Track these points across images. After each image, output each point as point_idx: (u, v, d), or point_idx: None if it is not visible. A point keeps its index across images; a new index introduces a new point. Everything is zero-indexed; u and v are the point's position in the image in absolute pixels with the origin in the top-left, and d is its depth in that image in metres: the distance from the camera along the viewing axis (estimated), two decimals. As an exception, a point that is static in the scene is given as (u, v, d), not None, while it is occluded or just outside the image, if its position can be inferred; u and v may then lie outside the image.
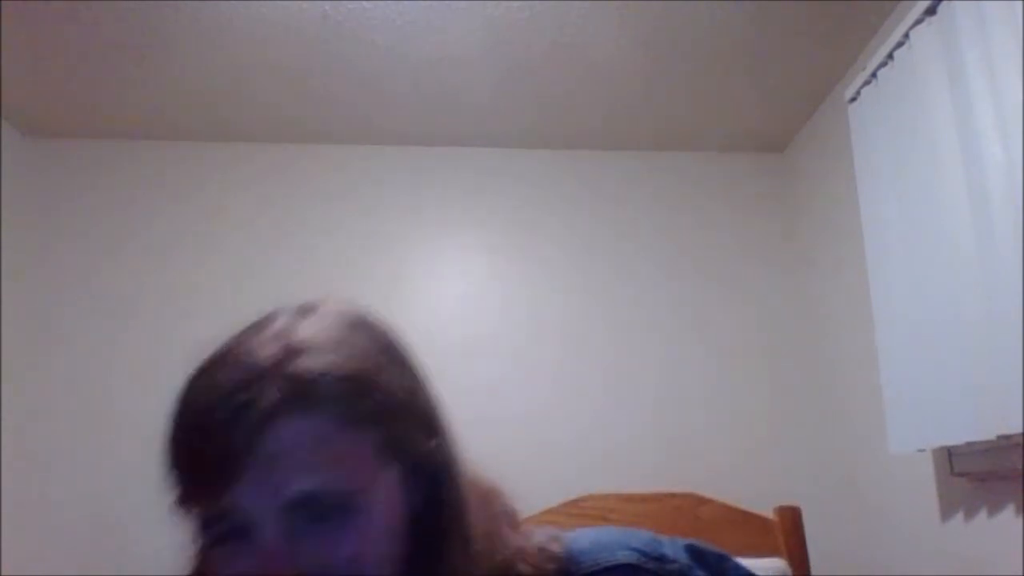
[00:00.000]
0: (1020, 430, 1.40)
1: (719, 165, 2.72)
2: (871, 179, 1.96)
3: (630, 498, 1.91)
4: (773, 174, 2.73)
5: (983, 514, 1.72)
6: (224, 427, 0.53)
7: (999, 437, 1.49)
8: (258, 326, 0.62)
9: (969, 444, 1.63)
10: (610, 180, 2.69)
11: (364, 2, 1.97)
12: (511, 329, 2.52)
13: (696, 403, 2.48)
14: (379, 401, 0.57)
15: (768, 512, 2.04)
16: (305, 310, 0.62)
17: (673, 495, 1.98)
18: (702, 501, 2.02)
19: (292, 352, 0.56)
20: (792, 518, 2.00)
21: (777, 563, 1.87)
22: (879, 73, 1.92)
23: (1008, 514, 1.64)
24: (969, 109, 1.57)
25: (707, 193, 2.69)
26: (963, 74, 1.59)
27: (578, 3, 1.98)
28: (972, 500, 1.76)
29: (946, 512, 1.85)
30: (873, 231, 1.95)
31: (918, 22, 1.74)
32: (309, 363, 0.55)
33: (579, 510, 1.91)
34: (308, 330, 0.59)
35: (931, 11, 1.71)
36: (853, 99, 2.06)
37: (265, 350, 0.57)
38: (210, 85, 2.29)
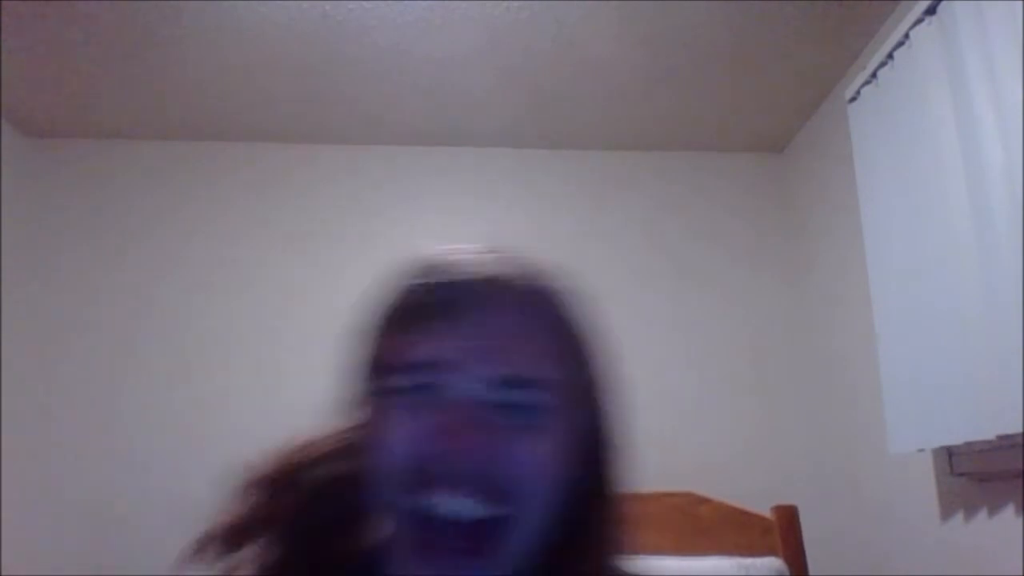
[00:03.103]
0: (1020, 430, 1.40)
1: (719, 165, 2.72)
2: (871, 179, 1.96)
3: (627, 497, 1.91)
4: (773, 174, 2.73)
5: (983, 514, 1.72)
6: (467, 286, 0.56)
7: (999, 437, 1.49)
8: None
9: (969, 444, 1.63)
10: (610, 180, 2.69)
11: (364, 2, 1.96)
12: (511, 329, 2.51)
13: (695, 402, 2.48)
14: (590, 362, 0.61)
15: (767, 512, 2.04)
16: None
17: (671, 494, 1.97)
18: (700, 500, 2.02)
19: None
20: (789, 517, 2.00)
21: (774, 562, 1.87)
22: (879, 73, 1.92)
23: (1008, 514, 1.64)
24: (969, 109, 1.57)
25: (707, 193, 2.69)
26: (963, 74, 1.59)
27: (578, 3, 1.97)
28: (972, 500, 1.76)
29: (946, 512, 1.85)
30: (873, 231, 1.94)
31: (918, 22, 1.74)
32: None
33: (579, 510, 1.91)
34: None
35: (931, 11, 1.71)
36: (853, 99, 2.05)
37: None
38: (210, 85, 2.29)
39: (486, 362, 0.53)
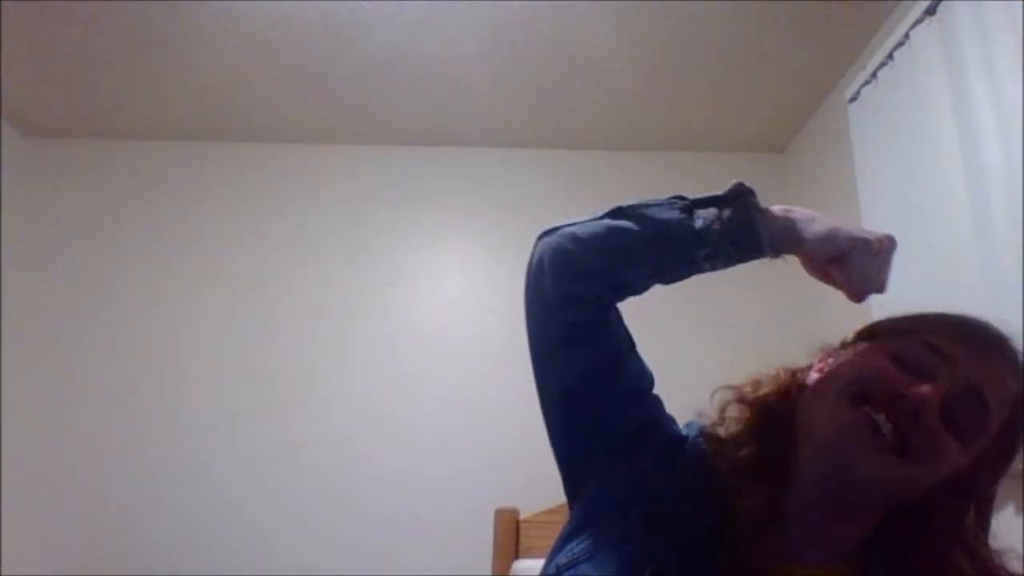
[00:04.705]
0: (1020, 430, 1.40)
1: (719, 165, 2.72)
2: (871, 179, 1.96)
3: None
4: (773, 174, 2.73)
5: (983, 514, 1.72)
6: (991, 335, 0.75)
7: (999, 437, 1.49)
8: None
9: (969, 444, 1.63)
10: (610, 180, 2.69)
11: (364, 2, 1.96)
12: (509, 328, 2.51)
13: (693, 403, 2.47)
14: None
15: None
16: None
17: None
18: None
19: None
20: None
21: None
22: (879, 73, 1.92)
23: (1008, 514, 1.64)
24: (969, 109, 1.57)
25: (707, 193, 2.69)
26: (963, 74, 1.59)
27: (578, 3, 1.97)
28: (972, 500, 1.75)
29: (946, 512, 1.85)
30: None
31: (918, 22, 1.74)
32: None
33: (579, 510, 1.91)
34: None
35: (931, 11, 1.71)
36: (853, 99, 2.05)
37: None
38: (210, 85, 2.29)
39: (972, 375, 0.70)
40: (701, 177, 2.69)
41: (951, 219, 1.62)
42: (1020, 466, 1.56)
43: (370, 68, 2.22)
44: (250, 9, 1.97)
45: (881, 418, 0.67)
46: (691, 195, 0.87)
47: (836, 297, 0.91)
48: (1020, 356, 0.75)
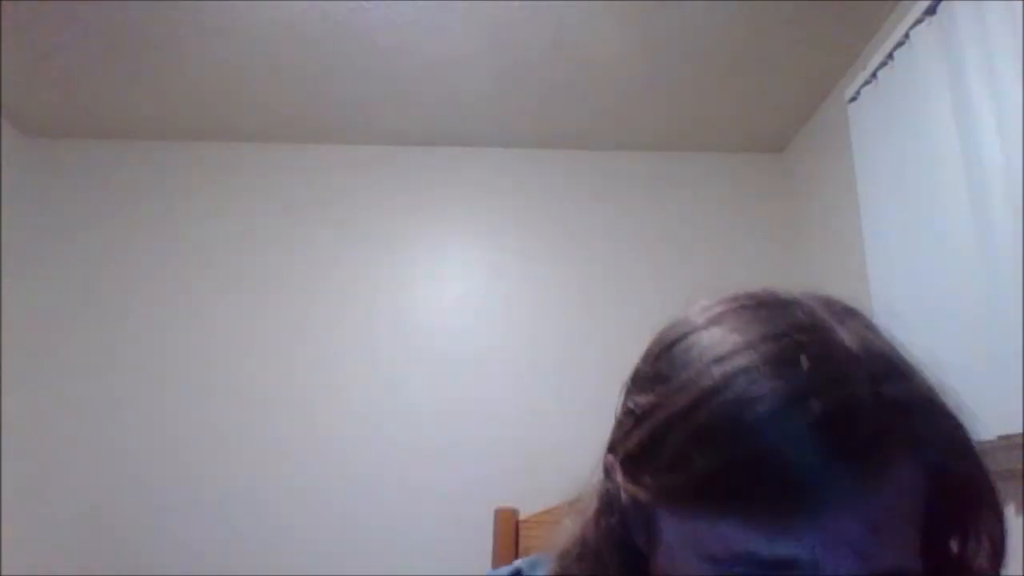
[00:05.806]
0: (1020, 430, 1.40)
1: (719, 165, 2.72)
2: (871, 179, 1.96)
3: None
4: (773, 174, 2.73)
5: (983, 514, 1.72)
6: (817, 464, 0.43)
7: (999, 437, 1.49)
8: (807, 330, 0.49)
9: (969, 444, 1.63)
10: (610, 180, 2.69)
11: (364, 2, 1.96)
12: (511, 328, 2.52)
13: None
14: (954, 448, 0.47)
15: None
16: (833, 312, 0.51)
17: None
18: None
19: (877, 371, 0.47)
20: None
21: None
22: (879, 73, 1.92)
23: (1008, 514, 1.63)
24: (969, 109, 1.57)
25: (707, 193, 2.69)
26: (963, 74, 1.59)
27: (578, 3, 1.97)
28: (972, 500, 1.75)
29: (946, 512, 1.85)
30: (873, 231, 1.94)
31: (918, 22, 1.74)
32: (900, 388, 0.47)
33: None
34: (861, 338, 0.49)
35: (931, 11, 1.71)
36: (853, 99, 2.05)
37: (851, 365, 0.47)
38: (210, 85, 2.29)
39: (851, 562, 0.44)
40: (701, 177, 2.71)
41: (951, 219, 1.62)
42: (1020, 466, 1.56)
43: (370, 68, 2.22)
44: (250, 9, 1.97)
45: None
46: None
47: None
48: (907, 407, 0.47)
